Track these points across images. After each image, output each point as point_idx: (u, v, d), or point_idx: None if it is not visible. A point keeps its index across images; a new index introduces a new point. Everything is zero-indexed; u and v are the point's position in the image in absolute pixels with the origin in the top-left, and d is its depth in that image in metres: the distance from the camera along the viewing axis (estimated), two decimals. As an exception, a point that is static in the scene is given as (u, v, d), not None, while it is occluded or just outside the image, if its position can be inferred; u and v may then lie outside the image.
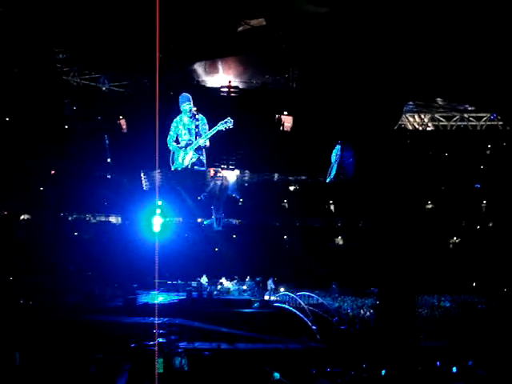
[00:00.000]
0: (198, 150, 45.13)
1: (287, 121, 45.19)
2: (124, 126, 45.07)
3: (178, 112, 45.02)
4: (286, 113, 44.94)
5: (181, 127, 45.16)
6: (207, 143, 44.99)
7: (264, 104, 44.77)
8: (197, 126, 45.04)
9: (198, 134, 44.99)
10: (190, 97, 45.06)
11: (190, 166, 44.90)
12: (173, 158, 45.06)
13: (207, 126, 44.85)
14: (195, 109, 44.93)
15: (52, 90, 41.45)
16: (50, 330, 27.11)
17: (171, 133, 45.14)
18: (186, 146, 44.88)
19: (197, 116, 45.25)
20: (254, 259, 39.57)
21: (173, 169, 45.03)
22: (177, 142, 44.98)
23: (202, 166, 45.28)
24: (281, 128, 45.19)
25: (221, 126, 44.32)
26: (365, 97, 31.53)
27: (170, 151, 44.39)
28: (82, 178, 42.21)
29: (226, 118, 43.68)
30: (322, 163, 45.48)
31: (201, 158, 45.16)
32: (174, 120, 45.15)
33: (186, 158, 44.85)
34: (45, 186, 42.05)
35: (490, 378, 23.40)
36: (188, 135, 44.98)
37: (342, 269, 39.54)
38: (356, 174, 36.82)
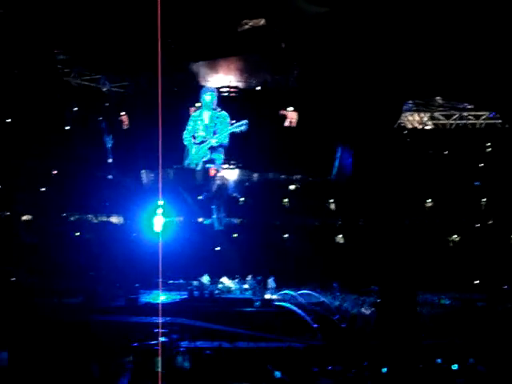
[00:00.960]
0: (213, 149, 45.03)
1: (291, 116, 45.26)
2: (126, 122, 45.13)
3: (181, 112, 45.02)
4: (290, 108, 44.96)
5: (199, 123, 44.98)
6: (225, 142, 44.85)
7: (265, 103, 44.91)
8: (215, 124, 44.84)
9: (214, 132, 44.85)
10: (214, 90, 44.81)
11: (201, 164, 44.86)
12: (186, 153, 44.96)
13: (228, 125, 44.67)
14: (216, 103, 44.76)
15: (53, 91, 41.56)
16: (51, 330, 27.17)
17: (189, 127, 45.01)
18: (201, 142, 44.73)
19: (218, 112, 45.04)
20: (255, 258, 39.66)
21: (185, 164, 44.91)
22: (193, 137, 44.90)
23: (216, 164, 45.08)
24: (285, 124, 45.24)
25: (235, 129, 44.34)
26: (364, 95, 31.61)
27: (174, 149, 44.24)
28: (84, 178, 42.28)
29: (243, 120, 43.69)
30: (322, 162, 45.62)
31: (216, 157, 45.11)
32: (192, 115, 44.98)
33: (199, 155, 44.80)
34: (47, 186, 42.14)
35: (491, 374, 23.53)
36: (204, 132, 44.87)
37: (343, 267, 39.61)
38: (355, 172, 36.87)
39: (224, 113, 45.13)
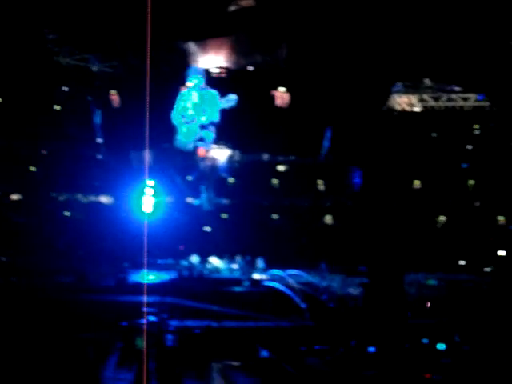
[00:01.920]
0: (203, 127, 44.91)
1: (282, 96, 45.22)
2: (116, 102, 44.97)
3: (170, 91, 44.81)
4: (281, 89, 44.88)
5: (188, 102, 44.81)
6: (215, 120, 44.69)
7: (255, 83, 44.84)
8: (204, 102, 44.68)
9: (204, 111, 44.69)
10: (202, 70, 44.64)
11: (192, 143, 44.78)
12: (176, 132, 44.82)
13: (217, 102, 44.50)
14: (204, 83, 44.66)
15: (42, 71, 41.41)
16: (41, 309, 27.28)
17: (178, 107, 44.78)
18: (191, 121, 44.57)
19: (206, 91, 44.86)
20: (243, 239, 39.79)
21: (176, 145, 44.79)
22: (183, 116, 44.74)
23: (206, 143, 45.06)
24: (276, 103, 45.21)
25: (225, 104, 44.19)
26: (353, 77, 31.72)
27: (164, 129, 44.20)
28: (73, 158, 42.21)
29: (229, 95, 43.55)
30: (312, 143, 45.68)
31: (205, 135, 44.99)
32: (181, 93, 44.77)
33: (189, 134, 44.66)
34: (36, 166, 42.07)
35: (476, 353, 23.85)
36: (193, 111, 44.71)
37: (331, 248, 39.79)
38: (345, 155, 37.09)
39: (213, 91, 45.00)
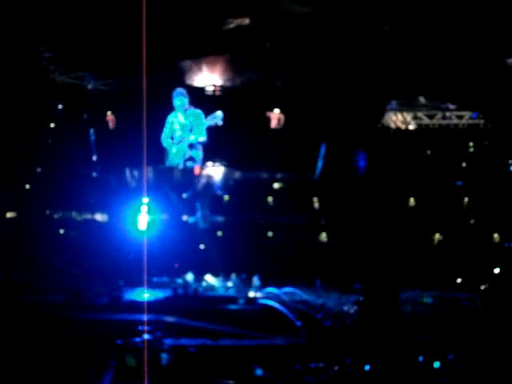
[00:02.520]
0: (192, 146, 45.20)
1: (278, 118, 45.37)
2: (112, 123, 45.08)
3: (166, 110, 45.13)
4: (277, 110, 45.07)
5: (175, 124, 45.21)
6: (202, 139, 44.95)
7: (251, 102, 44.95)
8: (191, 123, 45.07)
9: (191, 130, 45.02)
10: (184, 91, 45.00)
11: (182, 163, 45.04)
12: (167, 155, 45.21)
13: (203, 121, 44.83)
14: (188, 103, 45.00)
15: (38, 89, 41.50)
16: (35, 327, 27.20)
17: (166, 130, 45.21)
18: (179, 142, 44.92)
19: (191, 111, 45.21)
20: (239, 256, 39.74)
21: (167, 165, 45.16)
22: (172, 138, 45.09)
23: (196, 162, 45.25)
24: (272, 125, 45.40)
25: (210, 121, 44.42)
26: (348, 95, 31.81)
27: (158, 149, 44.57)
28: (68, 176, 42.24)
29: (215, 112, 43.76)
30: (306, 161, 45.75)
31: (194, 154, 45.25)
32: (169, 116, 45.18)
33: (178, 155, 44.96)
34: (31, 184, 42.07)
35: (472, 372, 23.78)
36: (181, 131, 45.06)
37: (326, 266, 39.78)
38: (339, 172, 37.11)
39: (198, 110, 45.22)
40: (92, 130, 45.10)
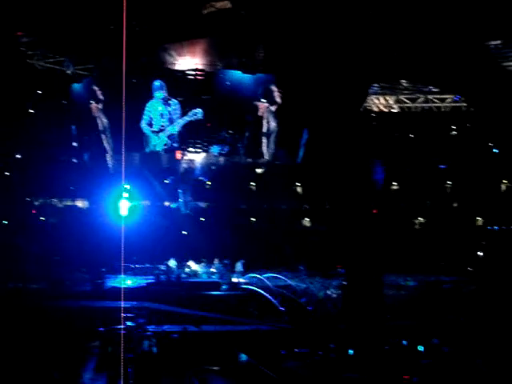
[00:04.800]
0: (171, 136, 45.68)
1: (263, 107, 45.51)
2: (94, 111, 44.98)
3: (148, 96, 45.24)
4: (263, 100, 45.26)
5: (154, 112, 45.65)
6: (180, 127, 45.50)
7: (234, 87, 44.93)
8: (169, 112, 45.52)
9: (170, 120, 45.46)
10: (164, 84, 45.36)
11: (162, 149, 45.43)
12: (146, 141, 45.46)
13: (180, 111, 45.25)
14: (167, 95, 45.36)
15: (16, 74, 41.06)
16: (16, 316, 26.97)
17: (145, 116, 45.65)
18: (159, 131, 45.38)
19: (169, 101, 45.67)
20: (222, 242, 39.59)
21: (147, 151, 45.42)
22: (150, 125, 45.36)
23: (174, 149, 45.68)
24: (258, 114, 45.54)
25: (191, 117, 44.86)
26: (330, 79, 31.61)
27: (140, 134, 44.65)
28: (48, 162, 41.92)
29: (196, 108, 44.28)
30: (289, 146, 45.70)
31: (173, 144, 45.63)
32: (148, 103, 45.47)
33: (158, 144, 45.41)
34: (10, 170, 41.71)
35: (456, 354, 23.83)
36: (161, 120, 45.51)
37: (310, 250, 39.77)
38: (322, 156, 36.95)
39: (175, 101, 45.88)
40: (72, 116, 44.95)
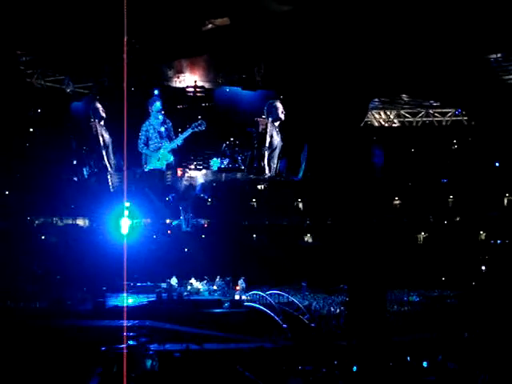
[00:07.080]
0: (172, 152, 45.66)
1: (263, 123, 45.58)
2: (95, 129, 44.98)
3: (146, 113, 45.24)
4: (264, 117, 45.30)
5: (151, 130, 45.62)
6: (179, 144, 45.53)
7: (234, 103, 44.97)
8: (166, 129, 45.62)
9: (168, 137, 45.52)
10: (160, 101, 45.40)
11: (164, 166, 45.41)
12: (146, 161, 45.40)
13: (172, 133, 45.52)
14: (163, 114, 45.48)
15: (15, 93, 41.11)
16: (18, 335, 26.81)
17: (142, 137, 45.56)
18: (158, 148, 45.33)
19: (166, 120, 45.80)
20: (223, 259, 39.40)
21: (147, 169, 45.32)
22: (147, 145, 45.39)
23: (173, 166, 45.64)
24: (259, 130, 45.59)
25: (194, 129, 44.80)
26: (331, 94, 31.61)
27: (139, 153, 44.66)
28: (49, 181, 41.87)
29: (199, 120, 44.23)
30: (290, 162, 45.67)
31: (175, 160, 45.65)
32: (144, 124, 45.52)
33: (161, 160, 45.32)
34: (10, 190, 41.65)
35: (461, 371, 23.58)
36: (159, 138, 45.53)
37: (312, 267, 39.57)
38: (323, 172, 36.93)
39: (168, 120, 45.99)
40: (72, 134, 45.01)
